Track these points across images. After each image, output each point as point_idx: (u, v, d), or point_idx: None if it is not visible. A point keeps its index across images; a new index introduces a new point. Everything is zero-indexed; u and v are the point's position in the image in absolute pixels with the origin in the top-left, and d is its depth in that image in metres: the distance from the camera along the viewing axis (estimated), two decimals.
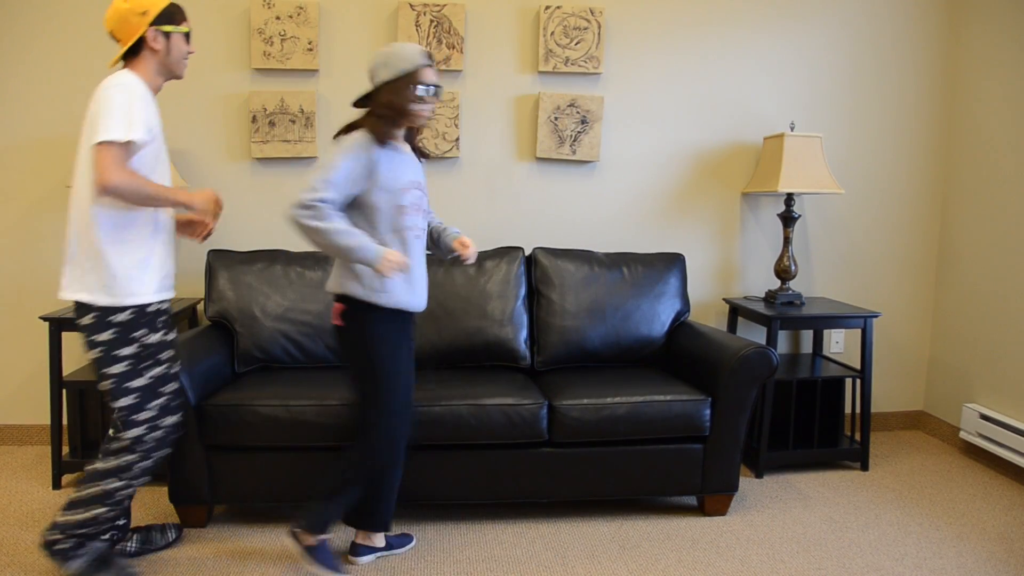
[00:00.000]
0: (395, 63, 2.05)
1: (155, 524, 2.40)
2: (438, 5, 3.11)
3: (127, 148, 1.93)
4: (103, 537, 2.14)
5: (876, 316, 3.08)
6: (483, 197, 3.29)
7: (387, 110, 2.06)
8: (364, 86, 3.17)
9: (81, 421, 2.92)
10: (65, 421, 2.92)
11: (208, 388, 2.47)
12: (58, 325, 2.73)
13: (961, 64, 3.41)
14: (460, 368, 2.87)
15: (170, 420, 2.12)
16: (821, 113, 3.42)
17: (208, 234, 2.20)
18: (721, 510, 2.68)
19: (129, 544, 2.31)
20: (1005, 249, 3.15)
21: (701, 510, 2.70)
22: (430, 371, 2.81)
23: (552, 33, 3.19)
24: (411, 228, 2.12)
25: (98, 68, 3.06)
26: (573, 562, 2.33)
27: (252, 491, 2.47)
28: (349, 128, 2.09)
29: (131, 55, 2.04)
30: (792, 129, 3.19)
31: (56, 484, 2.80)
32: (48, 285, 3.15)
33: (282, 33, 3.08)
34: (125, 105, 1.92)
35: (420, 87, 2.05)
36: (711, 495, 2.64)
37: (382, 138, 2.05)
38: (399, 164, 2.10)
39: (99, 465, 2.07)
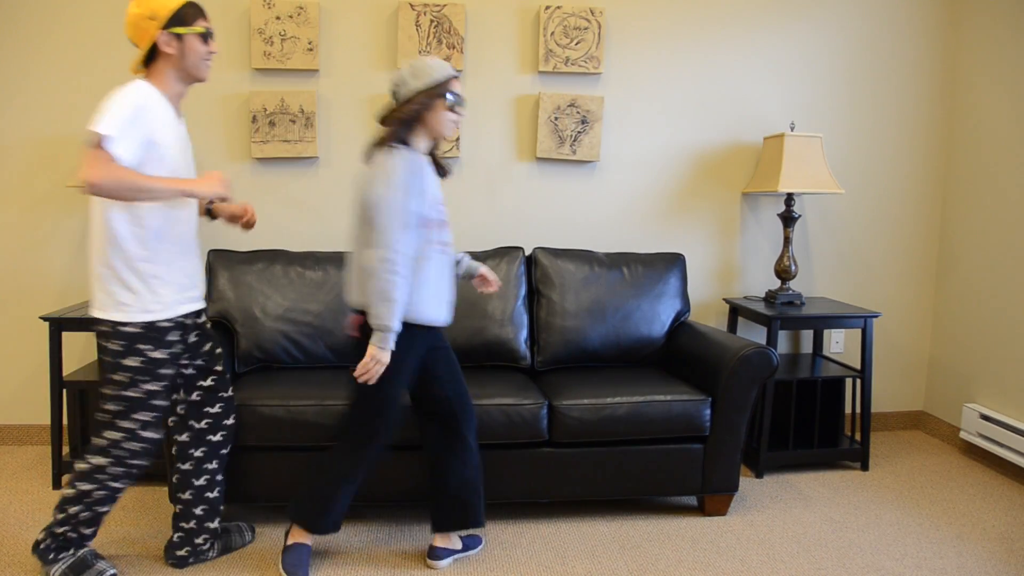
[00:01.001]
0: (426, 74, 2.06)
1: (231, 525, 2.40)
2: (438, 5, 3.11)
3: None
4: (87, 542, 2.14)
5: (876, 316, 3.08)
6: (483, 197, 3.29)
7: (415, 119, 2.07)
8: (364, 85, 3.19)
9: (81, 421, 2.92)
10: (65, 421, 2.92)
11: None
12: (58, 325, 2.73)
13: (961, 64, 3.41)
14: (460, 368, 2.86)
15: (152, 435, 2.07)
16: (821, 113, 3.42)
17: (250, 223, 2.24)
18: (721, 510, 2.68)
19: (211, 552, 2.32)
20: (1005, 249, 3.15)
21: (701, 510, 2.70)
22: None
23: (552, 33, 3.19)
24: (438, 242, 2.12)
25: (99, 67, 3.06)
26: (573, 562, 2.33)
27: (252, 491, 2.47)
28: (380, 144, 2.07)
29: (150, 61, 2.01)
30: (792, 129, 3.19)
31: (56, 484, 2.80)
32: (48, 285, 3.15)
33: (282, 33, 3.08)
34: (116, 106, 1.86)
35: (450, 96, 2.07)
36: (711, 495, 2.64)
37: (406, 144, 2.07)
38: (430, 176, 2.11)
39: (80, 465, 2.07)
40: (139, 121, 1.89)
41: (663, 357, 2.98)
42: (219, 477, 2.30)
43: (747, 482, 2.97)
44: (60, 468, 2.80)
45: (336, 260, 2.92)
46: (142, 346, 2.00)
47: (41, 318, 2.75)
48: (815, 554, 2.41)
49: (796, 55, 3.38)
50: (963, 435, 3.27)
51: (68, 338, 3.06)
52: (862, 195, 3.49)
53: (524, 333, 2.92)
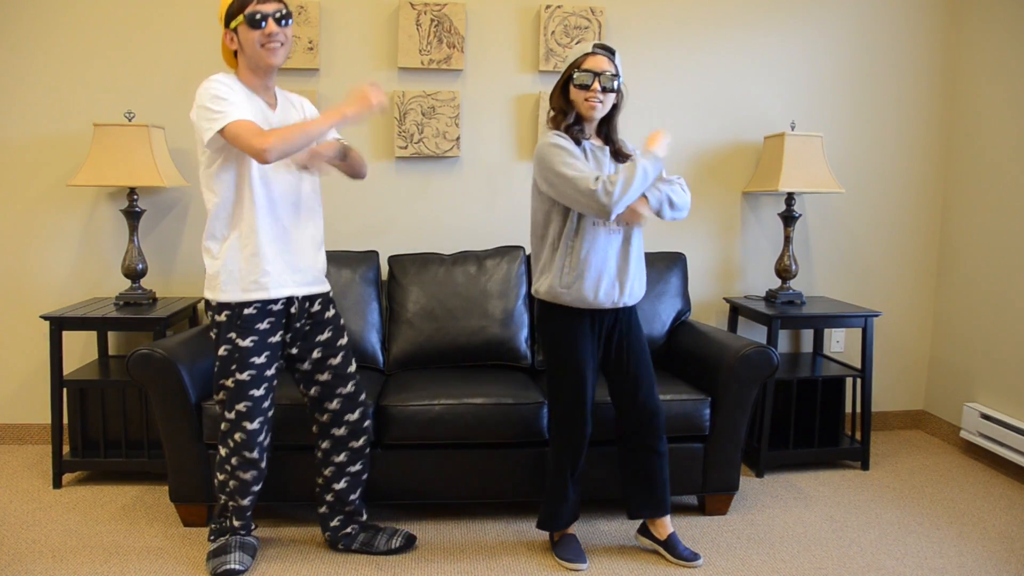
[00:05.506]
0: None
1: (386, 528, 2.39)
2: (439, 4, 3.11)
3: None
4: (241, 532, 2.25)
5: (877, 315, 3.08)
6: (484, 196, 3.29)
7: (552, 110, 2.23)
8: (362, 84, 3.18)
9: (82, 420, 2.92)
10: (65, 420, 2.92)
11: (208, 388, 2.47)
12: (58, 324, 2.73)
13: (961, 63, 3.41)
14: (460, 367, 2.86)
15: (249, 425, 2.13)
16: (822, 112, 3.42)
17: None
18: (722, 509, 2.68)
19: (354, 543, 2.35)
20: (1006, 248, 3.15)
21: (701, 509, 2.70)
22: (430, 370, 2.81)
23: (553, 32, 3.19)
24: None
25: (98, 65, 3.06)
26: None
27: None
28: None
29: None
30: (793, 128, 3.19)
31: (56, 483, 2.80)
32: (49, 284, 3.15)
33: None
34: (206, 99, 1.96)
35: (576, 73, 2.13)
36: (711, 494, 2.64)
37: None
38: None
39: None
40: (227, 101, 1.96)
41: (663, 356, 2.98)
42: (349, 469, 2.30)
43: (747, 481, 2.97)
44: (60, 468, 2.80)
45: (333, 259, 2.92)
46: (230, 333, 2.10)
47: (41, 317, 2.75)
48: (816, 553, 2.41)
49: (796, 55, 3.38)
50: (963, 434, 3.27)
51: (68, 337, 3.06)
52: (862, 194, 3.48)
53: (524, 333, 2.91)
